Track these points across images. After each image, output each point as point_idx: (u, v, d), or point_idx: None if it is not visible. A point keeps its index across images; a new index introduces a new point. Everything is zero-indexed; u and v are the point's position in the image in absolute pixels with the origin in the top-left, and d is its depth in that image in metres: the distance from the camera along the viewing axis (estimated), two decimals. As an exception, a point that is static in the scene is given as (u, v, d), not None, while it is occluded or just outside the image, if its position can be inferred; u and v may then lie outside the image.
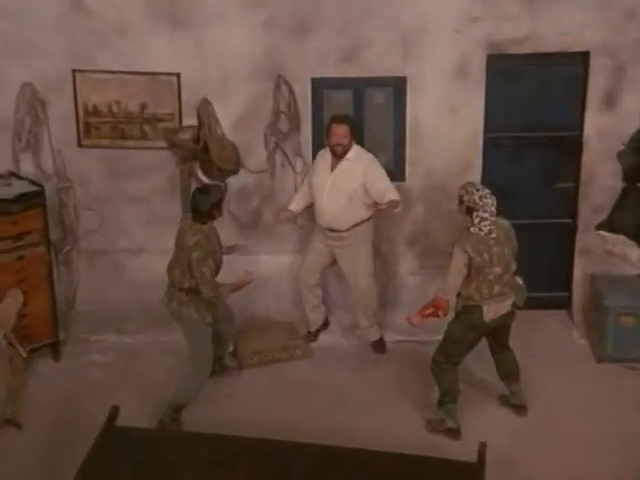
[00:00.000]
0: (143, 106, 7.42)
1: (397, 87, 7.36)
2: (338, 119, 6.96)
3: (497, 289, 6.00)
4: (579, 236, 7.68)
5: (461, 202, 5.98)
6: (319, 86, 7.39)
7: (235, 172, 7.56)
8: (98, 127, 7.47)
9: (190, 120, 7.37)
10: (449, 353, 6.21)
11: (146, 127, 7.46)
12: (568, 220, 7.74)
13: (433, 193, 7.58)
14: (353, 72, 7.28)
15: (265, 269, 7.49)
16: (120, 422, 5.45)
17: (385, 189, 6.84)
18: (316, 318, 7.57)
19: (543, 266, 7.75)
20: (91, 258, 7.81)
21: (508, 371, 6.52)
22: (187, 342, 6.40)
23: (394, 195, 6.80)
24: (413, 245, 7.75)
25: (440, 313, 5.99)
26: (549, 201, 7.67)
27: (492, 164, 7.49)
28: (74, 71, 7.31)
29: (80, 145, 7.54)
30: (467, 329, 6.09)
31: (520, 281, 6.20)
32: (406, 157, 7.53)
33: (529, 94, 7.42)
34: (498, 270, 5.95)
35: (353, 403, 6.70)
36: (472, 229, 5.92)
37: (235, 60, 7.26)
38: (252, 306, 7.57)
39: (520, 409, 6.60)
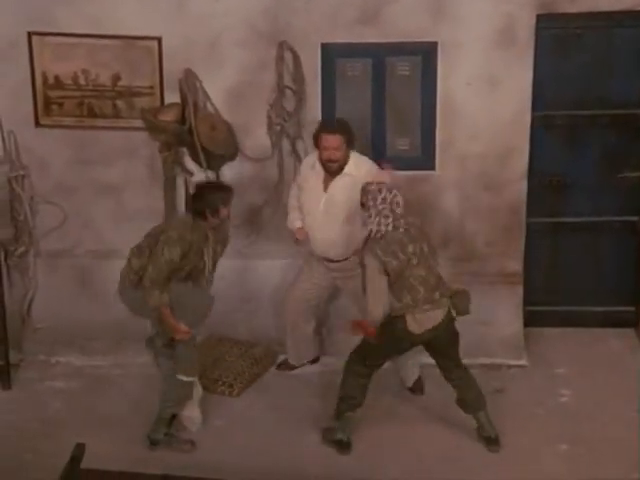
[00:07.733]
0: (116, 77, 7.34)
1: (426, 55, 7.27)
2: (328, 127, 6.68)
3: (422, 295, 6.05)
4: (648, 237, 7.61)
5: (362, 204, 6.17)
6: (331, 54, 7.28)
7: (230, 158, 7.36)
8: (60, 103, 7.40)
9: (174, 94, 7.28)
10: (364, 356, 6.29)
11: (119, 103, 7.38)
12: (634, 217, 7.62)
13: (469, 185, 7.47)
14: (372, 36, 7.18)
15: (262, 276, 7.55)
16: (85, 464, 5.23)
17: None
18: (302, 354, 7.30)
19: (604, 274, 7.71)
20: (51, 262, 7.70)
21: (464, 400, 6.40)
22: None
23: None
24: (445, 248, 7.47)
25: (369, 333, 6.13)
26: (611, 194, 7.56)
27: (542, 149, 7.39)
28: (30, 34, 7.22)
29: (38, 124, 7.46)
30: (389, 340, 6.16)
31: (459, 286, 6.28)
32: (436, 141, 7.43)
33: (587, 63, 7.30)
34: (421, 271, 6.05)
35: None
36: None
37: (227, 21, 7.16)
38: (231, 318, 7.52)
39: (490, 442, 6.41)
